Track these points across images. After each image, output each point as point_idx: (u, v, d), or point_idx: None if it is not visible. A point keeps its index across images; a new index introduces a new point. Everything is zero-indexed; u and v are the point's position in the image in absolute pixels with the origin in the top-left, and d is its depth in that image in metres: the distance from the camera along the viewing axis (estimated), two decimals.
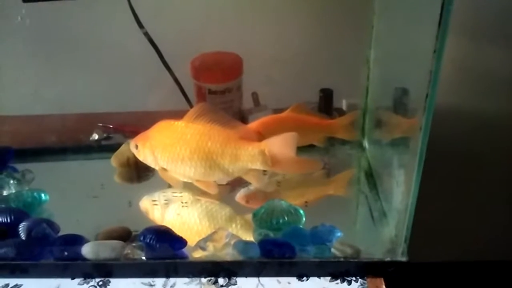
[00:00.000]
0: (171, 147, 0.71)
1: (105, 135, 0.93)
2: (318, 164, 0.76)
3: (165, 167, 0.73)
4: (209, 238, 0.64)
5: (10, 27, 0.85)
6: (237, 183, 0.77)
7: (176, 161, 0.71)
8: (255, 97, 0.92)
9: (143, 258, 0.65)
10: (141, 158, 0.76)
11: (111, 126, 0.94)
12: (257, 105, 0.92)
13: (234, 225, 0.71)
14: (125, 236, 0.68)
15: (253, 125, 0.78)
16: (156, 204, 0.75)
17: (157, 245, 0.64)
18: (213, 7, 0.87)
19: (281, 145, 0.69)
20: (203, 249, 0.64)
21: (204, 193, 0.74)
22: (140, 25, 0.86)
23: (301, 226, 0.68)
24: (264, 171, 0.73)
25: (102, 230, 0.68)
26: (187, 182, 0.74)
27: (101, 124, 0.94)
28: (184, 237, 0.66)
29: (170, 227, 0.68)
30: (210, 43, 0.88)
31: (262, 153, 0.69)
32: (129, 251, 0.65)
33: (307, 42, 0.92)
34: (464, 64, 0.92)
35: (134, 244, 0.65)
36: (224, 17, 0.89)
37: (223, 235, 0.64)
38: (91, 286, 0.64)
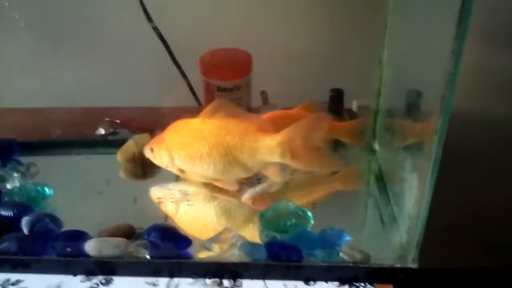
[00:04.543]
0: (189, 145, 0.69)
1: (111, 130, 0.92)
2: (338, 162, 0.71)
3: (182, 167, 0.71)
4: (215, 239, 0.63)
5: (17, 19, 0.84)
6: (247, 183, 0.75)
7: (194, 159, 0.69)
8: (264, 95, 0.91)
9: (147, 256, 0.64)
10: (157, 161, 0.74)
11: (118, 121, 0.93)
12: (266, 103, 0.91)
13: (251, 225, 0.69)
14: (129, 233, 0.66)
15: None
16: (172, 202, 0.74)
17: (162, 244, 0.63)
18: (223, 3, 0.86)
19: (309, 129, 0.66)
20: (209, 249, 0.63)
21: (221, 191, 0.73)
22: (149, 19, 0.85)
23: (309, 229, 0.67)
24: None
25: (106, 227, 0.67)
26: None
27: (107, 119, 0.93)
28: (198, 234, 0.64)
29: (184, 222, 0.67)
30: (220, 39, 0.87)
31: (281, 145, 0.67)
32: (133, 249, 0.63)
33: (318, 41, 0.91)
34: (475, 68, 0.90)
35: (138, 242, 0.64)
36: (234, 13, 0.88)
37: (229, 236, 0.63)
38: (93, 283, 0.63)
